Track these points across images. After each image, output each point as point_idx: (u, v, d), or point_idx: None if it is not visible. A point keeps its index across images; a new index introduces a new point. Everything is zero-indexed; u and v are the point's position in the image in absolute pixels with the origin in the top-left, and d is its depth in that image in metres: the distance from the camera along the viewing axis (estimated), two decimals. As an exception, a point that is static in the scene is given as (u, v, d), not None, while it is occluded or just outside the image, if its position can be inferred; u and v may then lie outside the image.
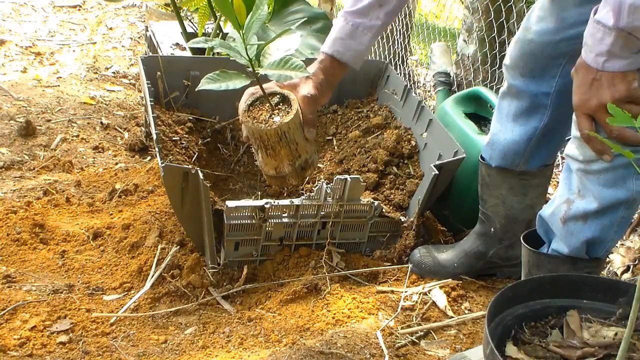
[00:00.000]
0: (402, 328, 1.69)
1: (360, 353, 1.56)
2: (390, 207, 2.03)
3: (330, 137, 2.39)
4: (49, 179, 2.34)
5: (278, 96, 1.61)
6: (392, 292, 1.83)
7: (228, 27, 2.97)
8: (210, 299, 1.80)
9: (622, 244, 2.12)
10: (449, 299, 1.81)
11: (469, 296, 1.86)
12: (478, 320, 1.77)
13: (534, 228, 1.58)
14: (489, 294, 1.90)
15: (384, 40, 3.63)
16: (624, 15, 1.11)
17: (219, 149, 2.38)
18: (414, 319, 1.73)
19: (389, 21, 1.67)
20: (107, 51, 3.72)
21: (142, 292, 1.79)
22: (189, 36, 2.94)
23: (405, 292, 1.82)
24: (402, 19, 3.55)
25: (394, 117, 2.33)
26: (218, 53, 2.90)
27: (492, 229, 1.87)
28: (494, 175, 1.79)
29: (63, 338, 1.61)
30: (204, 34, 2.98)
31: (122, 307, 1.74)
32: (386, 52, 3.63)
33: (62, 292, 1.78)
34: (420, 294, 1.81)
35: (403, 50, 3.61)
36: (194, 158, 2.13)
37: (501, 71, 2.03)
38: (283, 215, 1.87)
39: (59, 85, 3.13)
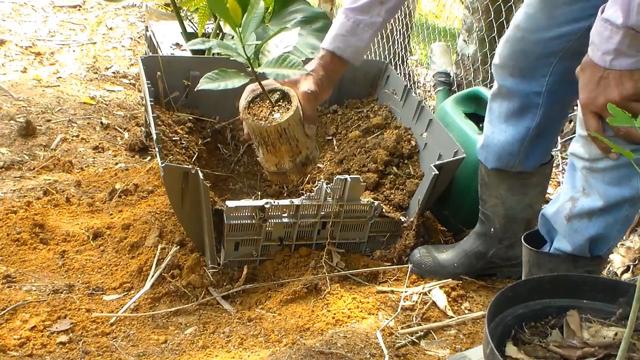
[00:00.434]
0: (402, 328, 1.69)
1: (360, 353, 1.56)
2: (390, 207, 2.03)
3: (330, 137, 2.39)
4: (49, 179, 2.34)
5: (278, 93, 1.61)
6: (392, 292, 1.83)
7: (228, 27, 2.97)
8: (210, 299, 1.80)
9: (622, 244, 2.12)
10: (449, 299, 1.81)
11: (469, 296, 1.86)
12: (478, 320, 1.77)
13: (534, 228, 1.58)
14: (489, 294, 1.90)
15: (384, 40, 3.63)
16: (633, 13, 1.11)
17: (219, 149, 2.38)
18: (414, 319, 1.73)
19: (390, 18, 1.67)
20: (107, 51, 3.72)
21: (142, 292, 1.79)
22: (189, 36, 2.94)
23: (405, 292, 1.82)
24: (402, 19, 3.55)
25: (394, 117, 2.33)
26: (218, 53, 2.90)
27: (492, 229, 1.87)
28: (492, 176, 1.79)
29: (63, 338, 1.61)
30: (204, 34, 2.98)
31: (122, 307, 1.74)
32: (386, 52, 3.63)
33: (62, 292, 1.78)
34: (420, 294, 1.81)
35: (403, 50, 3.61)
36: (194, 158, 2.13)
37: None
38: (283, 215, 1.87)
39: (59, 85, 3.13)
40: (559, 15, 1.48)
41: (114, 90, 3.22)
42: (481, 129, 2.11)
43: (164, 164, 1.76)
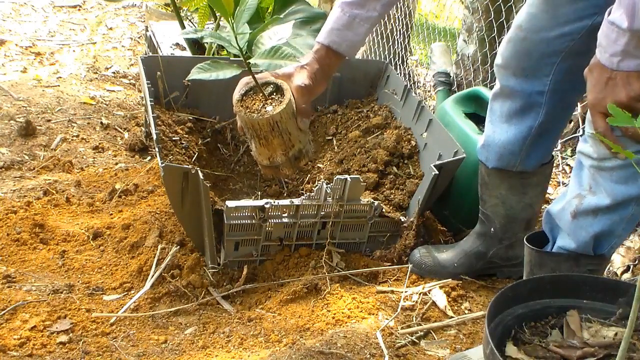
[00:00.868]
0: (402, 328, 1.69)
1: (360, 353, 1.56)
2: (390, 207, 2.03)
3: (330, 137, 2.39)
4: (49, 179, 2.34)
5: (272, 86, 1.60)
6: (392, 292, 1.83)
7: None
8: (210, 299, 1.80)
9: (622, 244, 2.12)
10: (449, 299, 1.81)
11: (469, 296, 1.86)
12: (478, 320, 1.77)
13: (534, 229, 1.59)
14: (489, 294, 1.90)
15: (384, 40, 3.63)
16: (638, 17, 1.11)
17: (219, 149, 2.38)
18: (414, 319, 1.73)
19: (385, 12, 1.67)
20: (107, 51, 3.72)
21: (142, 292, 1.79)
22: (189, 36, 2.94)
23: (405, 292, 1.82)
24: (402, 19, 3.55)
25: (394, 117, 2.33)
26: (218, 52, 2.90)
27: (492, 229, 1.87)
28: (492, 175, 1.79)
29: (63, 338, 1.61)
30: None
31: (122, 307, 1.74)
32: (386, 52, 3.63)
33: (62, 292, 1.78)
34: (420, 294, 1.81)
35: (403, 50, 3.61)
36: (194, 158, 2.13)
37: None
38: (283, 215, 1.87)
39: (59, 85, 3.13)
40: (561, 15, 1.48)
41: (114, 90, 3.22)
42: (481, 129, 2.11)
43: (164, 164, 1.76)
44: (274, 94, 1.58)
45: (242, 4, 1.53)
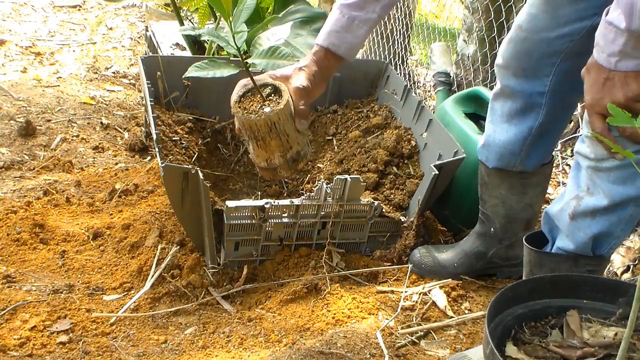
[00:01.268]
0: (402, 328, 1.69)
1: (360, 353, 1.56)
2: (390, 207, 2.03)
3: (330, 137, 2.39)
4: (49, 179, 2.34)
5: (270, 87, 1.60)
6: (392, 292, 1.83)
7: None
8: (210, 299, 1.80)
9: (622, 244, 2.12)
10: (449, 299, 1.81)
11: (469, 296, 1.86)
12: (478, 320, 1.77)
13: (534, 230, 1.59)
14: (489, 294, 1.90)
15: (384, 40, 3.63)
16: (635, 18, 1.11)
17: (219, 149, 2.38)
18: (414, 319, 1.73)
19: (384, 14, 1.66)
20: (107, 51, 3.72)
21: (142, 292, 1.79)
22: (189, 36, 2.95)
23: (405, 292, 1.82)
24: (402, 19, 3.55)
25: (394, 117, 2.33)
26: (218, 52, 2.90)
27: (492, 229, 1.87)
28: (492, 175, 1.79)
29: (63, 338, 1.61)
30: (203, 34, 2.98)
31: (122, 307, 1.74)
32: (386, 52, 3.63)
33: (62, 292, 1.78)
34: (420, 294, 1.81)
35: (403, 50, 3.61)
36: (194, 158, 2.13)
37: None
38: (283, 215, 1.87)
39: (59, 85, 3.13)
40: (561, 15, 1.48)
41: (114, 90, 3.22)
42: (481, 128, 2.12)
43: (164, 164, 1.76)
44: (272, 95, 1.58)
45: (241, 3, 1.53)
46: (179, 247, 1.90)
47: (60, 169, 2.46)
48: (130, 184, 2.26)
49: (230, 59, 2.25)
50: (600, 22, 1.19)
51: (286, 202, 1.86)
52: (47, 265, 1.90)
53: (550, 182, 2.04)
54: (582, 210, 1.41)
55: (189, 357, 1.59)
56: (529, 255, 1.53)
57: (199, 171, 1.77)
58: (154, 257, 1.88)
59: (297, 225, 1.89)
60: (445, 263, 1.92)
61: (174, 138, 2.13)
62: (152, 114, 2.01)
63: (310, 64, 1.62)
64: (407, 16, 3.56)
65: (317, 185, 1.87)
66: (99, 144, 2.68)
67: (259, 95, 1.57)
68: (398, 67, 3.56)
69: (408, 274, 1.89)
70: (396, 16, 3.55)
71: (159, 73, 2.24)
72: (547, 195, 2.38)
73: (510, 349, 1.14)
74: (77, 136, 2.72)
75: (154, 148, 2.07)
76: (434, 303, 1.80)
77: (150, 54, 2.91)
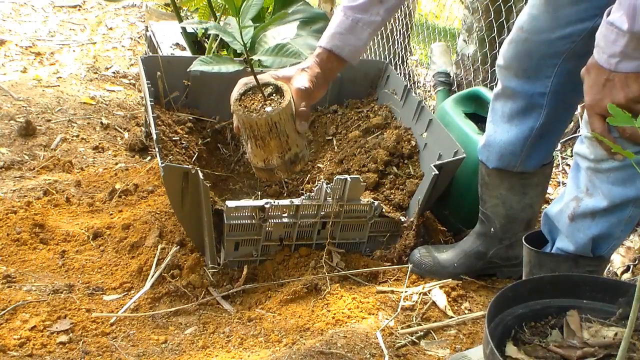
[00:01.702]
0: (402, 328, 1.69)
1: (360, 353, 1.56)
2: (390, 207, 2.03)
3: (330, 137, 2.39)
4: (49, 179, 2.34)
5: (271, 87, 1.59)
6: (392, 292, 1.83)
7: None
8: (210, 299, 1.80)
9: (622, 244, 2.12)
10: (449, 299, 1.81)
11: (469, 296, 1.86)
12: (478, 320, 1.77)
13: (534, 229, 1.58)
14: (489, 294, 1.90)
15: (384, 40, 3.63)
16: (638, 19, 1.11)
17: (219, 149, 2.38)
18: (414, 319, 1.73)
19: (388, 17, 1.66)
20: (107, 51, 3.72)
21: (142, 292, 1.79)
22: (189, 36, 2.95)
23: (405, 292, 1.82)
24: (402, 19, 3.55)
25: (394, 117, 2.33)
26: (218, 51, 2.90)
27: (492, 229, 1.87)
28: (493, 175, 1.79)
29: (63, 338, 1.61)
30: (203, 34, 2.98)
31: (122, 307, 1.74)
32: (386, 52, 3.63)
33: (62, 292, 1.78)
34: (420, 294, 1.81)
35: (403, 50, 3.61)
36: (194, 158, 2.13)
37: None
38: (283, 215, 1.87)
39: (59, 85, 3.13)
40: (562, 16, 1.48)
41: (114, 90, 3.22)
42: (481, 129, 2.12)
43: (164, 164, 1.76)
44: (274, 94, 1.57)
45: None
46: (179, 247, 1.90)
47: (60, 169, 2.46)
48: (130, 184, 2.26)
49: (233, 58, 2.25)
50: (601, 23, 1.18)
51: (286, 202, 1.86)
52: (47, 265, 1.90)
53: (550, 182, 2.04)
54: (582, 211, 1.41)
55: (189, 357, 1.59)
56: (528, 255, 1.53)
57: (199, 171, 1.77)
58: (154, 257, 1.88)
59: (297, 225, 1.89)
60: (445, 263, 1.92)
61: (174, 138, 2.13)
62: (152, 114, 2.01)
63: (313, 65, 1.62)
64: (407, 16, 3.57)
65: (317, 185, 1.87)
66: (99, 144, 2.68)
67: (260, 95, 1.57)
68: (398, 67, 3.56)
69: (408, 274, 1.89)
70: (396, 16, 3.55)
71: (159, 73, 2.24)
72: (547, 195, 2.38)
73: (510, 349, 1.14)
74: (77, 136, 2.72)
75: (154, 148, 2.07)
76: (434, 303, 1.80)
77: (150, 54, 2.91)
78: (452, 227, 2.17)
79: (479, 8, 2.86)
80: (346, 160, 2.23)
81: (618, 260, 2.10)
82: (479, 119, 2.16)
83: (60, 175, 2.41)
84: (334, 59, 1.63)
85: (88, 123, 2.83)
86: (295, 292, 1.78)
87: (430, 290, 1.84)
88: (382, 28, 3.57)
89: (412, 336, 1.67)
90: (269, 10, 2.87)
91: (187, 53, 2.84)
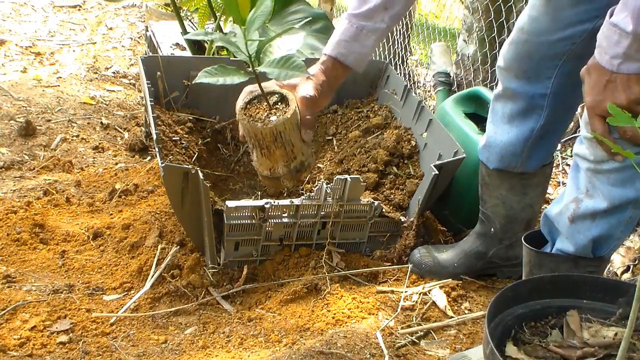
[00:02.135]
0: (402, 328, 1.69)
1: (360, 353, 1.56)
2: (390, 207, 2.03)
3: (330, 137, 2.39)
4: (49, 179, 2.34)
5: (276, 95, 1.59)
6: (392, 292, 1.83)
7: (228, 27, 2.97)
8: (210, 299, 1.80)
9: (622, 244, 2.12)
10: (449, 299, 1.81)
11: (469, 296, 1.86)
12: (478, 320, 1.77)
13: (534, 229, 1.58)
14: (489, 294, 1.90)
15: (384, 41, 3.63)
16: None
17: (219, 149, 2.38)
18: (414, 319, 1.73)
19: (393, 24, 1.65)
20: (107, 51, 3.72)
21: (142, 292, 1.79)
22: (189, 36, 2.94)
23: (405, 292, 1.82)
24: (402, 19, 3.55)
25: (394, 117, 2.33)
26: (218, 52, 2.90)
27: (492, 229, 1.87)
28: (493, 176, 1.79)
29: (63, 338, 1.61)
30: (203, 34, 2.98)
31: (122, 307, 1.74)
32: (386, 52, 3.63)
33: (62, 292, 1.78)
34: (420, 294, 1.81)
35: (403, 50, 3.61)
36: (194, 158, 2.13)
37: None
38: (283, 215, 1.87)
39: (59, 85, 3.13)
40: (563, 18, 1.48)
41: (114, 90, 3.22)
42: (481, 129, 2.12)
43: (164, 164, 1.76)
44: (279, 103, 1.57)
45: (257, 9, 1.51)
46: (179, 247, 1.90)
47: (60, 169, 2.46)
48: (130, 184, 2.26)
49: (231, 58, 2.25)
50: (603, 24, 1.18)
51: (286, 202, 1.86)
52: (47, 265, 1.90)
53: (550, 182, 2.04)
54: (582, 213, 1.40)
55: (189, 357, 1.59)
56: (528, 255, 1.53)
57: (199, 171, 1.77)
58: (154, 257, 1.88)
59: (297, 225, 1.89)
60: (445, 263, 1.92)
61: (174, 138, 2.13)
62: (152, 114, 2.01)
63: (318, 73, 1.61)
64: (407, 16, 3.56)
65: (317, 185, 1.87)
66: (99, 144, 2.68)
67: (265, 103, 1.56)
68: (398, 67, 3.57)
69: (408, 274, 1.89)
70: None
71: (159, 73, 2.24)
72: (547, 195, 2.38)
73: (510, 349, 1.14)
74: (77, 136, 2.72)
75: (154, 148, 2.07)
76: (434, 303, 1.80)
77: (150, 54, 2.91)
78: (452, 227, 2.17)
79: (479, 8, 2.86)
80: (346, 160, 2.23)
81: (618, 260, 2.10)
82: (479, 119, 2.17)
83: (60, 175, 2.41)
84: (339, 66, 1.63)
85: (88, 123, 2.83)
86: (295, 292, 1.78)
87: (430, 290, 1.84)
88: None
89: (412, 336, 1.67)
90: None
91: (187, 53, 2.84)
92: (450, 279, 1.88)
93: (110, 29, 4.08)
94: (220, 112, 2.35)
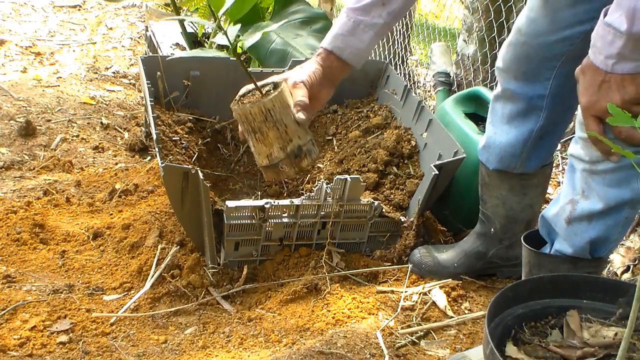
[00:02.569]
0: (402, 328, 1.69)
1: (360, 353, 1.56)
2: (390, 207, 2.03)
3: (330, 137, 2.39)
4: (49, 179, 2.34)
5: (270, 85, 1.60)
6: (392, 292, 1.83)
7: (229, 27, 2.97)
8: (210, 299, 1.80)
9: (622, 244, 2.12)
10: (449, 299, 1.81)
11: (469, 296, 1.86)
12: (478, 320, 1.77)
13: (534, 229, 1.58)
14: (489, 294, 1.90)
15: (384, 40, 3.63)
16: (638, 21, 1.10)
17: (219, 149, 2.38)
18: (414, 319, 1.73)
19: (392, 22, 1.65)
20: (107, 51, 3.72)
21: (142, 292, 1.79)
22: (189, 36, 2.95)
23: (405, 292, 1.82)
24: (402, 19, 3.55)
25: (394, 117, 2.33)
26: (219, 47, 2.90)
27: (492, 229, 1.87)
28: (493, 177, 1.79)
29: (63, 338, 1.61)
30: (203, 34, 2.98)
31: (122, 307, 1.74)
32: (386, 52, 3.63)
33: (62, 292, 1.78)
34: (420, 294, 1.81)
35: (403, 50, 3.61)
36: (194, 158, 2.13)
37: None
38: (283, 215, 1.87)
39: (59, 85, 3.13)
40: (561, 19, 1.47)
41: (114, 90, 3.22)
42: (481, 129, 2.12)
43: (164, 164, 1.76)
44: (271, 90, 1.58)
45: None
46: (179, 247, 1.90)
47: (60, 169, 2.46)
48: (130, 184, 2.26)
49: (231, 58, 2.25)
50: (597, 24, 1.18)
51: (286, 202, 1.86)
52: (47, 265, 1.90)
53: (550, 183, 2.04)
54: (578, 214, 1.40)
55: (189, 357, 1.59)
56: (528, 255, 1.53)
57: (199, 171, 1.77)
58: (154, 257, 1.88)
59: (297, 225, 1.89)
60: (445, 263, 1.92)
61: (174, 138, 2.13)
62: (152, 114, 2.01)
63: (311, 62, 1.63)
64: (407, 16, 3.56)
65: (317, 185, 1.87)
66: (99, 144, 2.68)
67: (257, 92, 1.57)
68: (398, 67, 3.57)
69: (408, 274, 1.89)
70: (396, 16, 3.54)
71: (159, 73, 2.24)
72: (547, 196, 2.38)
73: (510, 349, 1.14)
74: (77, 136, 2.72)
75: (154, 148, 2.07)
76: (434, 303, 1.80)
77: (150, 54, 2.91)
78: (452, 227, 2.17)
79: (479, 8, 2.86)
80: (346, 160, 2.23)
81: (618, 260, 2.10)
82: (479, 119, 2.17)
83: (60, 175, 2.41)
84: (334, 59, 1.63)
85: (88, 123, 2.83)
86: (295, 292, 1.78)
87: (430, 290, 1.84)
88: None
89: (412, 336, 1.67)
90: (269, 10, 2.87)
91: (187, 53, 2.83)
92: (450, 279, 1.88)
93: (110, 29, 4.08)
94: (220, 112, 2.35)
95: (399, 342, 1.64)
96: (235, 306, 1.80)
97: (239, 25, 1.54)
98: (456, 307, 1.81)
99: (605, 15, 1.16)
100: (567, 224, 1.42)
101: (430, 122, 2.14)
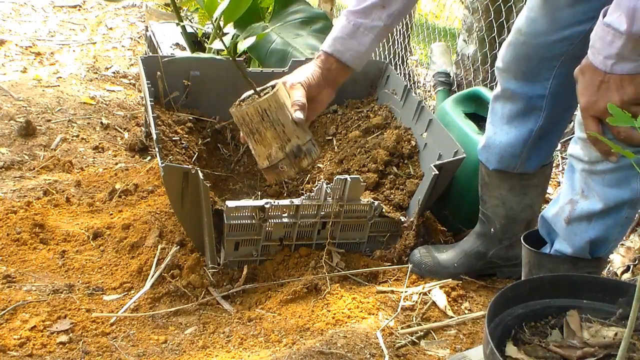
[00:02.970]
0: (402, 328, 1.69)
1: (360, 353, 1.56)
2: (390, 207, 2.03)
3: (330, 137, 2.39)
4: (49, 179, 2.34)
5: (268, 88, 1.60)
6: (392, 292, 1.83)
7: (228, 27, 2.97)
8: (210, 299, 1.80)
9: (622, 244, 2.12)
10: (449, 299, 1.81)
11: (469, 296, 1.86)
12: (478, 320, 1.77)
13: (534, 228, 1.58)
14: (489, 294, 1.90)
15: (384, 41, 3.63)
16: (637, 21, 1.10)
17: (219, 149, 2.38)
18: (414, 319, 1.73)
19: (393, 24, 1.64)
20: (107, 51, 3.72)
21: (142, 292, 1.79)
22: (189, 36, 2.95)
23: (405, 292, 1.82)
24: (402, 19, 3.55)
25: (394, 117, 2.33)
26: (218, 52, 2.90)
27: (492, 229, 1.87)
28: (493, 176, 1.79)
29: (63, 338, 1.61)
30: (203, 34, 2.98)
31: (122, 307, 1.74)
32: (386, 52, 3.63)
33: (62, 292, 1.78)
34: (420, 294, 1.81)
35: (403, 50, 3.61)
36: (194, 158, 2.13)
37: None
38: (283, 215, 1.87)
39: (59, 85, 3.13)
40: (560, 19, 1.47)
41: (114, 90, 3.22)
42: (481, 129, 2.11)
43: (164, 164, 1.76)
44: (269, 93, 1.58)
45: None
46: (179, 247, 1.90)
47: (60, 169, 2.46)
48: (130, 184, 2.26)
49: (229, 59, 2.25)
50: (596, 24, 1.18)
51: (286, 202, 1.86)
52: (47, 265, 1.90)
53: (550, 182, 2.04)
54: (578, 214, 1.40)
55: (189, 357, 1.59)
56: (528, 255, 1.53)
57: (199, 171, 1.77)
58: (154, 257, 1.88)
59: (297, 225, 1.89)
60: (445, 263, 1.92)
61: (174, 138, 2.13)
62: (152, 114, 2.01)
63: (310, 64, 1.63)
64: (407, 16, 3.56)
65: (317, 185, 1.87)
66: (99, 144, 2.68)
67: (256, 95, 1.58)
68: (398, 67, 3.57)
69: (408, 274, 1.89)
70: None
71: (159, 73, 2.24)
72: (547, 195, 2.38)
73: (510, 349, 1.14)
74: (77, 136, 2.72)
75: (154, 148, 2.07)
76: (434, 303, 1.80)
77: (150, 54, 2.91)
78: (452, 227, 2.17)
79: (479, 8, 2.86)
80: (346, 160, 2.23)
81: (618, 260, 2.10)
82: (479, 119, 2.17)
83: (60, 175, 2.41)
84: (334, 61, 1.63)
85: (88, 123, 2.83)
86: (295, 292, 1.78)
87: (430, 290, 1.84)
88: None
89: (412, 336, 1.67)
90: (269, 11, 2.87)
91: (187, 53, 2.84)
92: (450, 279, 1.88)
93: (110, 29, 4.08)
94: (220, 112, 2.35)
95: (399, 342, 1.64)
96: (235, 306, 1.80)
97: (234, 31, 1.54)
98: (456, 307, 1.81)
99: (604, 15, 1.16)
100: (567, 224, 1.42)
101: (430, 122, 2.14)
